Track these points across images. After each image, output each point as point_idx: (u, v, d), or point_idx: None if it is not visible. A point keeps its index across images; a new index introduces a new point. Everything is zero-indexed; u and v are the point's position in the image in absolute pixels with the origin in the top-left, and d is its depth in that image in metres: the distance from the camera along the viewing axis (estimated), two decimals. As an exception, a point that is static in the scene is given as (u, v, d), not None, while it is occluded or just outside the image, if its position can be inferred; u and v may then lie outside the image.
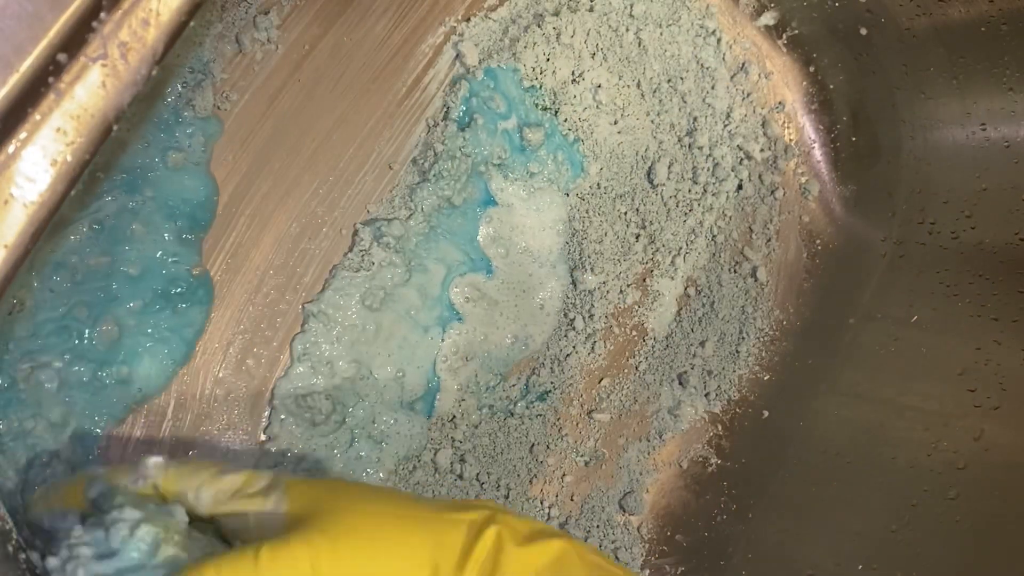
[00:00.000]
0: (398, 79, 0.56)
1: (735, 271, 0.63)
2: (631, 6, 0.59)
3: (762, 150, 0.63)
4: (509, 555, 0.36)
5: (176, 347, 0.51)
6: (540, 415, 0.58)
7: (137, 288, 0.50)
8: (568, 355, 0.59)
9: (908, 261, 0.60)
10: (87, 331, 0.49)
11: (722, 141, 0.62)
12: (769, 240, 0.63)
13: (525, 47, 0.57)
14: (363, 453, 0.54)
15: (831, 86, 0.63)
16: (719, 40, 0.62)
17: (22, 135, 0.32)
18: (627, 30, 0.59)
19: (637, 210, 0.60)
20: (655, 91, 0.60)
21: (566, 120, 0.59)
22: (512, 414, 0.58)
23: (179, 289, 0.51)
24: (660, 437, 0.61)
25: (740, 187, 0.62)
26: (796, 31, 0.63)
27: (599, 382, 0.60)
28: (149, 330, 0.50)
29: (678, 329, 0.62)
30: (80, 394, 0.49)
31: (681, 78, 0.61)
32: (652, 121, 0.61)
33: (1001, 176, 0.54)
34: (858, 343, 0.61)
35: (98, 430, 0.49)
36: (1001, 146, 0.55)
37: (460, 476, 0.56)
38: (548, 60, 0.58)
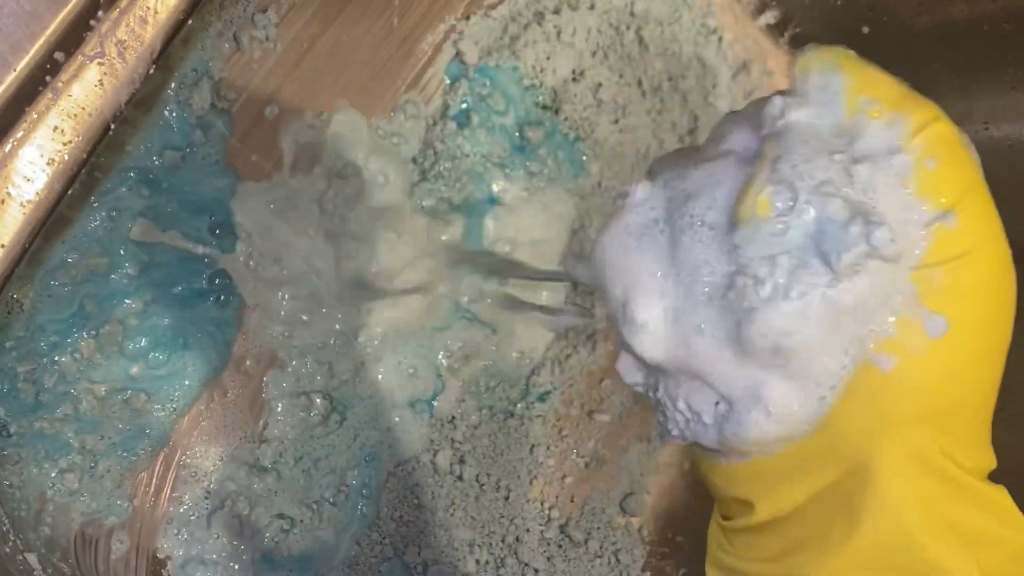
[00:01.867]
0: (397, 77, 0.56)
1: (736, 271, 0.62)
2: (632, 4, 0.59)
3: (763, 149, 0.63)
4: None
5: (214, 349, 0.51)
6: (540, 416, 0.58)
7: (169, 284, 0.50)
8: (569, 355, 0.59)
9: (910, 261, 0.60)
10: (101, 329, 0.49)
11: (723, 140, 0.61)
12: (770, 240, 0.63)
13: (525, 45, 0.57)
14: (362, 453, 0.54)
15: (833, 85, 0.63)
16: (720, 38, 0.62)
17: (19, 134, 0.32)
18: (628, 28, 0.59)
19: (638, 209, 0.60)
20: (656, 90, 0.60)
21: (566, 119, 0.58)
22: (512, 415, 0.58)
23: (215, 284, 0.51)
24: (661, 438, 0.61)
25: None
26: (798, 29, 0.63)
27: (600, 383, 0.60)
28: (185, 328, 0.50)
29: (679, 329, 0.62)
30: (95, 397, 0.49)
31: (682, 76, 0.60)
32: (653, 120, 0.60)
33: (1004, 175, 0.54)
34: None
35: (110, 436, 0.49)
36: (1004, 145, 0.54)
37: (460, 477, 0.56)
38: (548, 58, 0.57)
